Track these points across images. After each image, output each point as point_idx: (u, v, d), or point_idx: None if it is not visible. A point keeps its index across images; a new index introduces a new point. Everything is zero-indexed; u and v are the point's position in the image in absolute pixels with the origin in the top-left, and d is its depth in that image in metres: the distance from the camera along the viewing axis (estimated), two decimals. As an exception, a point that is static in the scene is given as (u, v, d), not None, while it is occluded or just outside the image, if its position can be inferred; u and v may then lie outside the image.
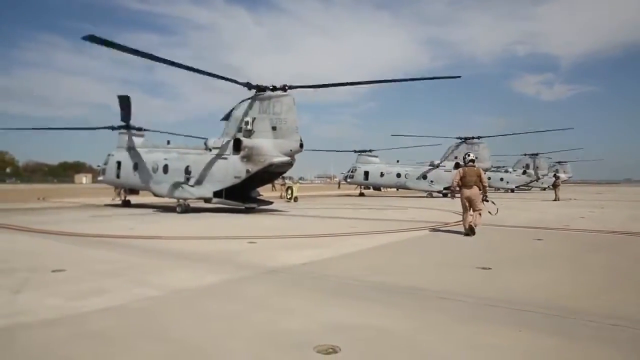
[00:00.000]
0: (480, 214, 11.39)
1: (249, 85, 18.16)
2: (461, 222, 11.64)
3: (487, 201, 11.63)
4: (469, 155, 12.02)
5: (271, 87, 17.96)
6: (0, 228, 12.42)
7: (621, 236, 11.16)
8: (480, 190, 11.47)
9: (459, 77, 14.78)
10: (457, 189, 11.56)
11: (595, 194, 45.53)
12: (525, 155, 59.18)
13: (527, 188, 60.25)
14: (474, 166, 11.67)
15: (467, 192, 11.38)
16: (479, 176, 11.42)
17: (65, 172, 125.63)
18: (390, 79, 15.92)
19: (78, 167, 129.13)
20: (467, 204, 11.38)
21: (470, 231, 10.94)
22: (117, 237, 10.40)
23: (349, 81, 17.15)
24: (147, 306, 4.76)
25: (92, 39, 13.56)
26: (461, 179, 11.44)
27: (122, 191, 23.53)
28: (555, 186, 32.25)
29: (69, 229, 11.76)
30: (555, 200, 29.89)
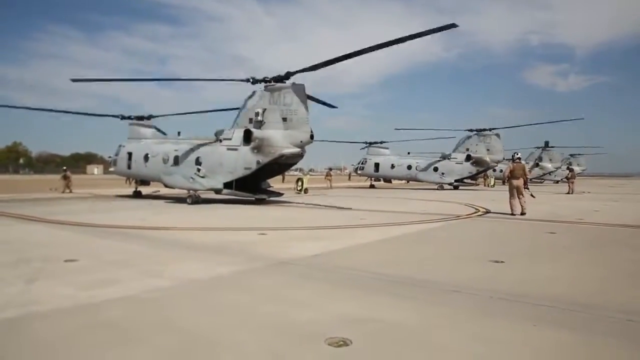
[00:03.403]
0: (524, 200, 14.16)
1: (252, 80, 18.11)
2: (473, 215, 13.99)
3: (528, 189, 14.58)
4: (517, 154, 15.08)
5: (275, 77, 17.86)
6: (13, 218, 12.58)
7: (636, 230, 10.99)
8: (524, 181, 14.42)
9: (456, 26, 14.12)
10: (507, 179, 14.66)
11: (609, 186, 44.95)
12: (538, 147, 58.59)
13: (539, 181, 59.68)
14: (520, 162, 14.83)
15: (515, 182, 14.27)
16: (524, 170, 14.64)
17: (77, 163, 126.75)
18: (385, 42, 14.62)
19: (90, 158, 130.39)
20: (515, 191, 14.18)
21: (521, 213, 13.72)
22: (128, 228, 10.47)
23: (350, 52, 16.22)
24: (159, 296, 4.78)
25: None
26: (510, 172, 14.46)
27: (133, 182, 23.68)
28: (569, 179, 31.93)
29: (81, 220, 11.86)
30: (568, 193, 29.59)
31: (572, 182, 31.20)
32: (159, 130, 23.41)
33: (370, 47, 15.48)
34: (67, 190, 27.36)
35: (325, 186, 36.98)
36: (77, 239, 8.97)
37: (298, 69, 17.44)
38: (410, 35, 15.06)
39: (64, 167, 31.41)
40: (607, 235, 10.19)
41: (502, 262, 6.72)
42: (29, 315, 4.10)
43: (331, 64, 16.63)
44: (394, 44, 15.34)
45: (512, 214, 13.75)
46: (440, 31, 14.68)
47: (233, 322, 4.00)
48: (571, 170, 34.56)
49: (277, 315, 4.19)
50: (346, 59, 16.22)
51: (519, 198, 14.15)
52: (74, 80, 15.22)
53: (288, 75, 17.67)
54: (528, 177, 14.96)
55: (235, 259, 6.78)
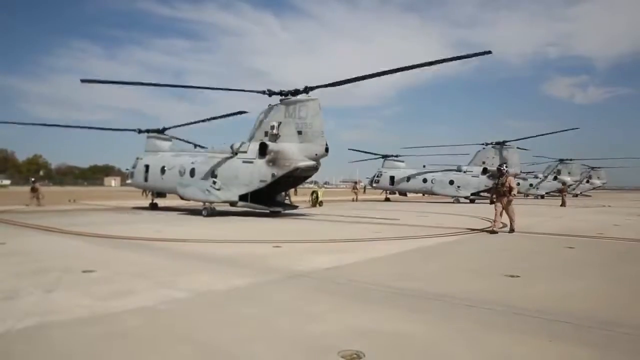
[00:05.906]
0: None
1: (269, 92, 18.31)
2: (489, 228, 13.42)
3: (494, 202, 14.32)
4: (503, 166, 14.35)
5: (293, 91, 18.05)
6: (33, 229, 12.82)
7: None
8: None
9: (490, 52, 14.01)
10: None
11: (631, 200, 44.10)
12: (557, 160, 57.81)
13: (558, 194, 58.75)
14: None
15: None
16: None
17: (95, 175, 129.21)
18: (412, 64, 14.52)
19: (107, 170, 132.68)
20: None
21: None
22: (145, 240, 10.58)
23: (373, 73, 16.43)
24: (175, 308, 4.83)
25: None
26: None
27: (150, 194, 23.96)
28: (561, 191, 35.01)
29: (98, 231, 12.03)
30: (561, 205, 31.15)
31: (565, 195, 33.86)
32: (173, 138, 23.60)
33: (395, 69, 15.63)
34: (37, 204, 24.52)
35: (352, 199, 38.76)
36: (94, 250, 9.10)
37: (317, 85, 17.62)
38: (442, 59, 15.22)
39: (33, 179, 27.86)
40: (628, 250, 10.00)
41: (517, 276, 6.64)
42: (48, 325, 4.17)
43: (350, 82, 16.88)
44: (424, 66, 15.55)
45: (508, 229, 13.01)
46: (474, 56, 14.79)
47: (248, 334, 4.02)
48: (564, 183, 39.53)
49: (291, 327, 4.21)
50: (366, 79, 16.47)
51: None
52: (83, 81, 16.02)
53: (307, 89, 17.83)
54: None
55: (250, 271, 6.82)
